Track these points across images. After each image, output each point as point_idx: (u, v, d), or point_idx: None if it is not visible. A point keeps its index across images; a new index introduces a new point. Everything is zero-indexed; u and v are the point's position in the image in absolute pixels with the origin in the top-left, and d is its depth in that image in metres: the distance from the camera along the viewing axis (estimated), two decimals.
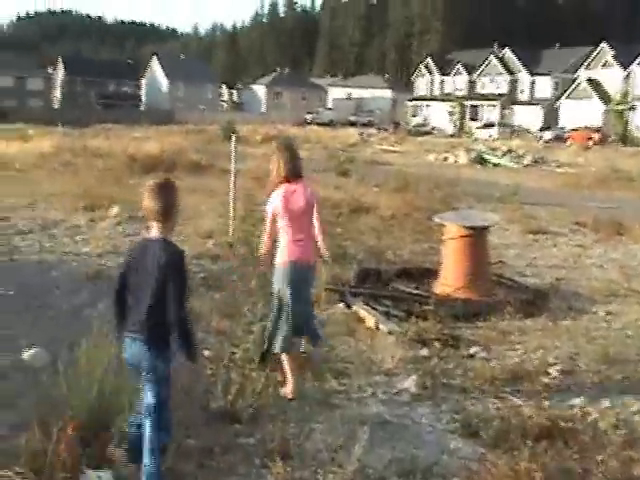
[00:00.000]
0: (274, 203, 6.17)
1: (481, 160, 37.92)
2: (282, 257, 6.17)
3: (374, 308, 8.70)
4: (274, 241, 6.23)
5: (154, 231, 4.27)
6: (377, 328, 8.07)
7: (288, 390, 6.05)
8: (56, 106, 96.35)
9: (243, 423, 5.32)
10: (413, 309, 8.62)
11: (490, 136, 68.33)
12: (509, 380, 6.60)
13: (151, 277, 4.14)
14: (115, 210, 14.21)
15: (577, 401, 6.22)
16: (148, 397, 4.22)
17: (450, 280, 9.50)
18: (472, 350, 7.50)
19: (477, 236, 9.48)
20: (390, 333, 7.85)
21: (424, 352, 7.34)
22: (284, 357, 6.18)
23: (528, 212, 18.13)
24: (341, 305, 8.90)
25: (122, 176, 20.01)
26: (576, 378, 6.89)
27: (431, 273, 10.21)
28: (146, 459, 4.20)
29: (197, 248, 11.37)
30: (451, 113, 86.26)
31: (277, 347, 6.18)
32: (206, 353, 6.73)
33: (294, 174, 6.25)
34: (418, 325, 7.94)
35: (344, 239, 12.77)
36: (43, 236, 12.36)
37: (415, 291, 9.41)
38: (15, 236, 12.40)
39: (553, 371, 6.96)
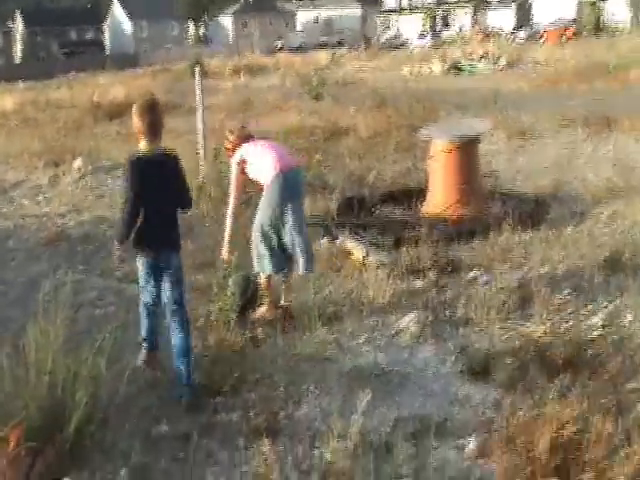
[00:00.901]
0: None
1: (456, 68, 36.94)
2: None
3: (360, 238, 7.99)
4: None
5: (149, 146, 4.68)
6: (364, 261, 7.35)
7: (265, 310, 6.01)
8: (18, 61, 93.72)
9: (222, 395, 4.62)
10: (402, 235, 7.92)
11: (424, 45, 67.23)
12: (517, 304, 5.94)
13: (168, 187, 4.70)
14: (78, 163, 13.29)
15: (595, 320, 5.56)
16: (175, 293, 4.79)
17: (440, 199, 8.78)
18: (472, 274, 6.81)
19: (466, 148, 8.71)
20: (380, 265, 7.13)
21: (419, 283, 6.65)
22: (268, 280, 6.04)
23: (511, 116, 17.30)
24: (324, 240, 8.16)
25: (86, 126, 19.02)
26: (589, 293, 6.23)
27: (418, 194, 9.48)
28: (182, 343, 4.72)
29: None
30: (423, 24, 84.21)
31: (269, 267, 5.93)
32: None
33: None
34: (409, 253, 7.25)
35: (323, 167, 12.01)
36: (1, 200, 11.48)
37: (402, 216, 8.68)
38: None
39: (563, 287, 6.31)
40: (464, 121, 11.56)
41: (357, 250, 7.56)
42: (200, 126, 11.35)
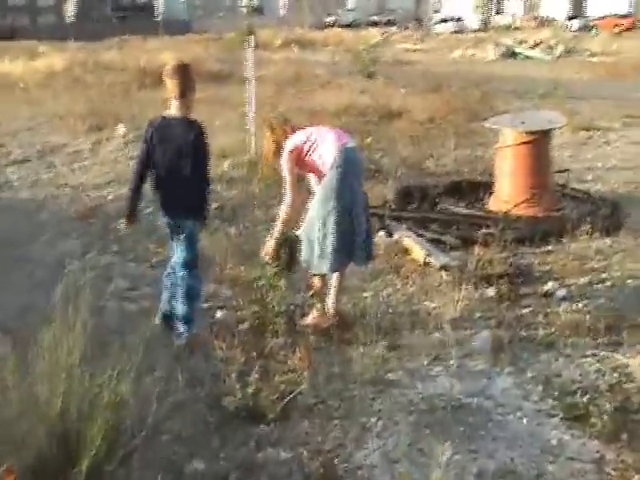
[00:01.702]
0: None
1: (512, 54, 35.86)
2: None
3: (421, 235, 7.18)
4: None
5: (174, 109, 4.69)
6: (427, 262, 6.54)
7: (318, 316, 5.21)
8: (69, 21, 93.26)
9: (268, 423, 3.86)
10: (468, 234, 7.10)
11: (447, 31, 66.36)
12: (603, 327, 5.09)
13: (183, 154, 4.60)
14: (122, 129, 12.62)
15: None
16: (186, 254, 4.80)
17: (509, 195, 7.92)
18: (549, 286, 5.96)
19: (540, 142, 7.83)
20: (444, 269, 6.32)
21: (491, 292, 5.82)
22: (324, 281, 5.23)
23: (573, 107, 16.30)
24: (381, 233, 7.35)
25: (132, 91, 18.33)
26: None
27: (484, 187, 8.63)
28: (180, 304, 4.81)
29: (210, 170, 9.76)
30: (477, 7, 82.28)
31: (331, 265, 5.02)
32: (218, 314, 5.28)
33: None
34: (477, 255, 6.42)
35: (376, 150, 11.19)
36: (40, 165, 10.81)
37: (469, 211, 7.83)
38: (9, 167, 10.89)
39: None
40: (536, 112, 10.63)
41: (417, 249, 6.75)
42: (252, 101, 10.53)
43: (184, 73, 4.66)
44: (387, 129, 13.34)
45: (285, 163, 5.12)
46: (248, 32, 37.49)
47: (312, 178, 5.30)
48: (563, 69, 27.67)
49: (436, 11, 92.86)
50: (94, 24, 76.40)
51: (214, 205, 8.23)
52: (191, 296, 4.83)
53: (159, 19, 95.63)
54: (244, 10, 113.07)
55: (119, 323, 4.88)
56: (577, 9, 76.60)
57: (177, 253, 4.87)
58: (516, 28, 69.38)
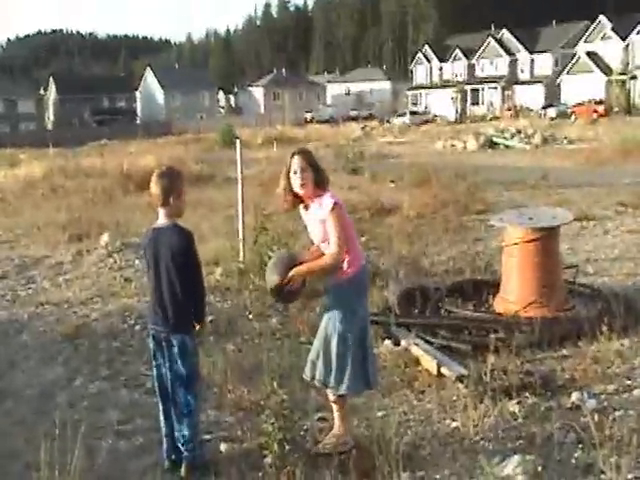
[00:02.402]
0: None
1: (491, 144, 36.38)
2: (344, 273, 4.82)
3: (430, 342, 6.82)
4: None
5: (161, 218, 4.59)
6: (440, 373, 6.16)
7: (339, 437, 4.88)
8: (50, 127, 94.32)
9: None
10: (479, 340, 6.74)
11: (404, 123, 68.91)
12: None
13: (168, 264, 4.50)
14: (105, 238, 12.27)
15: None
16: (180, 369, 4.53)
17: (516, 295, 7.60)
18: (574, 397, 5.56)
19: (548, 238, 7.56)
20: (460, 380, 5.93)
21: (513, 407, 5.41)
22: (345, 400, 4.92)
23: (564, 196, 16.27)
24: (387, 342, 6.99)
25: (115, 197, 18.13)
26: None
27: (487, 287, 8.33)
28: (183, 425, 4.54)
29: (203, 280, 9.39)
30: (452, 99, 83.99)
31: (359, 386, 4.82)
32: (222, 447, 4.83)
33: None
34: (492, 364, 6.03)
35: (372, 249, 10.94)
36: (19, 281, 10.39)
37: (476, 314, 7.49)
38: None
39: None
40: (540, 208, 10.46)
41: (428, 358, 6.37)
42: (239, 205, 10.26)
43: (167, 179, 4.54)
44: (380, 226, 13.13)
45: (336, 217, 4.65)
46: (230, 134, 38.04)
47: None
48: (544, 157, 27.97)
49: (414, 103, 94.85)
50: (74, 130, 77.08)
51: (209, 318, 7.87)
52: (190, 413, 4.59)
53: (138, 122, 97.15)
54: (222, 110, 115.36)
55: (112, 467, 4.41)
56: (552, 97, 78.44)
57: (169, 371, 4.59)
58: (492, 118, 70.84)
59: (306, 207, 4.85)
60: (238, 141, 10.73)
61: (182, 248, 4.48)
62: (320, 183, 4.76)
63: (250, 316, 7.94)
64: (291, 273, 4.71)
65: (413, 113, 78.44)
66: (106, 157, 32.43)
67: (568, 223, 8.37)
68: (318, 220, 4.74)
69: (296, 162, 4.75)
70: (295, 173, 4.73)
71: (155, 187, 4.54)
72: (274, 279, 4.77)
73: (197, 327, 4.61)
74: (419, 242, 11.87)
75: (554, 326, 6.98)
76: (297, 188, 4.74)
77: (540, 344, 6.67)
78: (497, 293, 7.97)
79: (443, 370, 6.15)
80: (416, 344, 6.73)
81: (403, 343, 6.89)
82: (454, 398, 5.66)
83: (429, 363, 6.31)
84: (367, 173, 22.45)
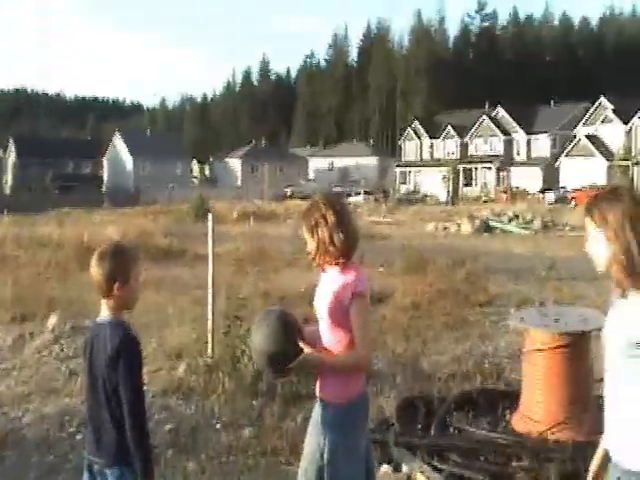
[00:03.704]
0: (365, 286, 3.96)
1: (487, 228, 36.10)
2: (354, 386, 4.02)
3: (438, 469, 5.97)
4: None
5: (103, 310, 3.74)
6: None
7: None
8: (7, 192, 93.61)
9: None
10: (498, 469, 5.90)
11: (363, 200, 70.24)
12: None
13: (104, 375, 3.59)
14: (53, 320, 11.38)
15: None
16: None
17: (541, 413, 6.77)
18: None
19: (579, 345, 6.79)
20: None
21: None
22: None
23: (576, 290, 15.60)
24: (385, 467, 6.13)
25: (71, 270, 17.24)
26: None
27: (502, 399, 7.52)
28: None
29: (161, 378, 8.58)
30: (444, 178, 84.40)
31: None
32: None
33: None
34: None
35: None
36: None
37: (494, 435, 6.64)
38: None
39: None
40: (566, 308, 9.70)
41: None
42: (210, 288, 9.47)
43: (112, 261, 3.65)
44: (372, 317, 12.34)
45: (360, 308, 3.88)
46: (202, 206, 37.49)
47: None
48: (546, 244, 27.53)
49: (403, 182, 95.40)
50: (34, 195, 76.39)
51: (167, 427, 7.00)
52: None
53: (104, 190, 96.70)
54: (195, 181, 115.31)
55: None
56: (550, 180, 78.98)
57: None
58: (487, 200, 71.08)
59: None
60: (210, 215, 10.01)
61: (117, 352, 3.56)
62: (335, 258, 3.99)
63: (218, 426, 7.07)
64: (301, 358, 3.84)
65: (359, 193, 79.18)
66: (67, 226, 31.70)
67: (598, 328, 7.61)
68: (329, 287, 3.99)
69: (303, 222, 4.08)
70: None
71: (95, 271, 3.68)
72: (274, 348, 3.89)
73: None
74: (416, 338, 11.11)
75: (590, 452, 6.15)
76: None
77: (575, 476, 5.84)
78: (516, 408, 7.15)
79: None
80: (422, 471, 5.89)
81: (405, 469, 6.05)
82: None
83: None
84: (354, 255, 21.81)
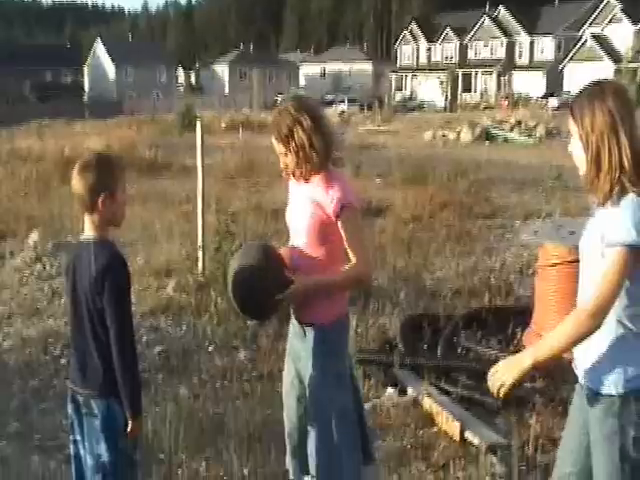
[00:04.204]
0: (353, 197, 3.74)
1: (488, 136, 35.64)
2: (340, 303, 3.89)
3: (447, 392, 5.83)
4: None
5: (87, 228, 3.47)
6: (464, 439, 5.17)
7: None
8: None
9: None
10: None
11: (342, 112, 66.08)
12: None
13: (88, 299, 3.37)
14: (34, 237, 11.16)
15: None
16: (103, 453, 3.41)
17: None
18: None
19: None
20: (493, 452, 4.94)
21: None
22: None
23: (583, 201, 15.36)
24: (390, 390, 5.99)
25: (52, 185, 16.93)
26: None
27: (512, 316, 7.35)
28: None
29: (150, 297, 8.41)
30: (442, 84, 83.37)
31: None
32: None
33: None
34: (530, 425, 5.11)
35: None
36: None
37: (500, 353, 6.49)
38: None
39: None
40: (580, 221, 9.47)
41: (447, 417, 5.37)
42: (199, 201, 9.21)
43: (95, 172, 3.38)
44: (369, 231, 12.14)
45: (350, 221, 3.67)
46: (194, 115, 36.94)
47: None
48: (550, 153, 27.14)
49: (399, 89, 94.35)
50: (10, 106, 75.23)
51: (157, 349, 6.85)
52: None
53: (86, 99, 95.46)
54: (181, 89, 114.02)
55: None
56: (553, 85, 78.01)
57: (88, 455, 3.49)
58: (487, 107, 70.28)
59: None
60: (199, 122, 9.69)
61: (102, 275, 3.32)
62: (317, 165, 3.71)
63: (210, 348, 6.92)
64: (294, 287, 3.64)
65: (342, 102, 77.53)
66: (47, 139, 31.22)
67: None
68: (308, 199, 3.75)
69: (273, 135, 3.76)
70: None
71: (78, 184, 3.40)
72: (255, 284, 3.67)
73: (129, 425, 3.42)
74: (417, 252, 10.90)
75: None
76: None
77: None
78: (527, 326, 6.99)
79: (468, 435, 5.16)
80: (429, 394, 5.74)
81: (411, 392, 5.91)
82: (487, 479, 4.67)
83: (449, 424, 5.31)
84: (348, 166, 21.46)
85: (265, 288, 3.63)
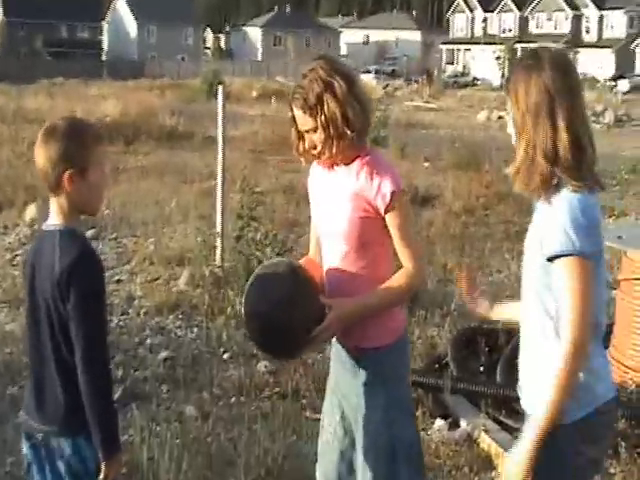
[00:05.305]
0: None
1: None
2: (398, 316, 3.46)
3: (509, 429, 5.32)
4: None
5: (52, 215, 3.02)
6: None
7: None
8: None
9: None
10: None
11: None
12: None
13: (50, 305, 2.92)
14: (32, 211, 10.91)
15: None
16: None
17: (639, 359, 6.12)
18: None
19: None
20: None
21: None
22: None
23: None
24: (440, 422, 5.50)
25: None
26: None
27: None
28: None
29: (157, 290, 8.09)
30: (498, 59, 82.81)
31: None
32: None
33: None
34: (613, 475, 4.67)
35: None
36: None
37: None
38: None
39: None
40: None
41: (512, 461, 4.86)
42: (219, 179, 8.82)
43: (61, 142, 2.92)
44: (417, 225, 11.70)
45: (402, 210, 3.25)
46: (217, 81, 36.75)
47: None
48: (621, 142, 26.64)
49: (450, 63, 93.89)
50: (21, 61, 75.74)
51: (162, 355, 6.42)
52: None
53: (104, 59, 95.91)
54: (209, 53, 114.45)
55: None
56: (623, 66, 77.20)
57: None
58: None
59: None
60: (220, 88, 9.30)
61: (70, 278, 2.87)
62: (351, 143, 3.22)
63: (225, 356, 6.55)
64: (332, 316, 3.16)
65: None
66: (58, 99, 31.35)
67: None
68: (345, 190, 3.27)
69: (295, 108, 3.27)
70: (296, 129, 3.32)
71: (40, 154, 2.95)
72: (281, 325, 3.14)
73: (102, 469, 2.92)
74: (471, 250, 10.49)
75: None
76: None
77: None
78: (606, 347, 6.47)
79: None
80: (486, 430, 5.26)
81: (464, 425, 5.44)
82: None
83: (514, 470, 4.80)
84: (392, 146, 21.07)
85: (294, 329, 3.15)
